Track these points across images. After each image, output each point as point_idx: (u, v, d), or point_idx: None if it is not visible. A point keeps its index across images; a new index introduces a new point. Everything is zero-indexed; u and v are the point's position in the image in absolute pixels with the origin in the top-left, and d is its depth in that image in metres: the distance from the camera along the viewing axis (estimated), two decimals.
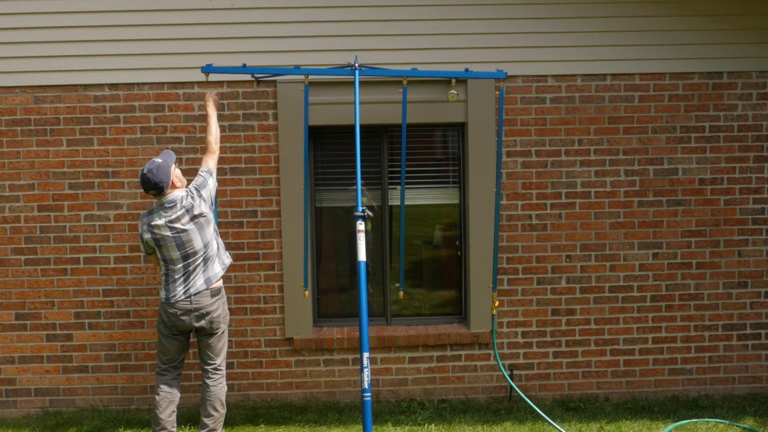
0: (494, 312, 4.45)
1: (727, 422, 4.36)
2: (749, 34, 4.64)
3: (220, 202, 4.61)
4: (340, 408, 4.64)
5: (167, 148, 4.54)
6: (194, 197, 3.77)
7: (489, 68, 4.49)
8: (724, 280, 4.79)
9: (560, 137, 4.68)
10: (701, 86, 4.69)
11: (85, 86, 4.54)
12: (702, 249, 4.76)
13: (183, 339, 3.92)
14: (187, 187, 3.86)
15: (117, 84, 4.55)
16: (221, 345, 3.94)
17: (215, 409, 3.88)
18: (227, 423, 4.41)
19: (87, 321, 4.65)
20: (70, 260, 4.62)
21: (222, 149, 4.57)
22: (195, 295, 3.76)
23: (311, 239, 4.69)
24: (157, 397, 3.86)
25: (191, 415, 4.49)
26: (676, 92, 4.68)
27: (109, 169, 4.59)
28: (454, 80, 4.36)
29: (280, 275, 4.67)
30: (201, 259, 3.78)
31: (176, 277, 3.77)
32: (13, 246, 4.60)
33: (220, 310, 3.86)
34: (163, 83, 4.56)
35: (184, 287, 3.76)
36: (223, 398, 3.93)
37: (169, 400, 3.87)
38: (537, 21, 4.58)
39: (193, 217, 3.74)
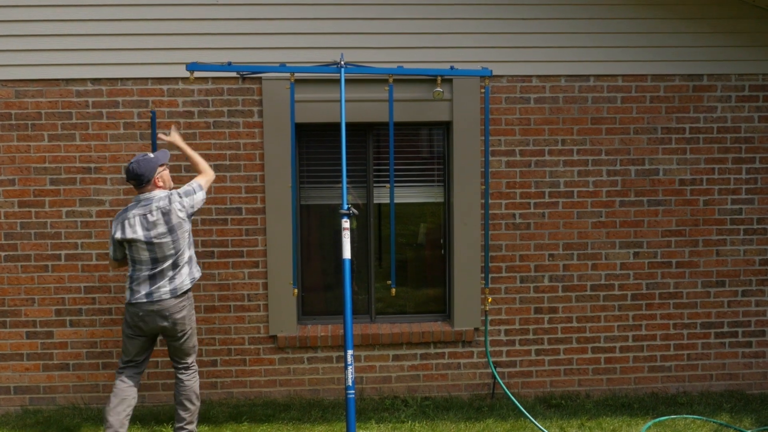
0: (487, 308, 4.48)
1: (704, 418, 4.44)
2: (729, 37, 4.72)
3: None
4: (323, 405, 4.64)
5: (151, 147, 4.51)
6: (172, 201, 3.69)
7: (474, 67, 4.52)
8: (703, 279, 4.87)
9: (544, 137, 4.72)
10: (682, 88, 4.76)
11: (68, 81, 4.49)
12: (681, 248, 4.84)
13: (145, 341, 3.82)
14: (170, 190, 3.80)
15: (100, 79, 4.50)
16: (190, 346, 3.88)
17: (191, 402, 3.89)
18: (210, 420, 4.39)
19: (68, 318, 4.60)
20: (51, 257, 4.57)
21: (206, 146, 4.56)
22: (158, 301, 3.68)
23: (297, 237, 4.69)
24: (111, 394, 3.76)
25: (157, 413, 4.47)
26: (658, 94, 4.75)
27: (92, 165, 4.54)
28: (439, 78, 4.38)
29: (264, 273, 4.66)
30: (170, 264, 3.70)
31: (142, 278, 3.69)
32: None
33: (185, 311, 3.77)
34: (147, 79, 4.52)
35: (147, 290, 3.68)
36: (198, 390, 3.93)
37: (121, 398, 3.73)
38: (522, 21, 4.62)
39: (168, 221, 3.66)
